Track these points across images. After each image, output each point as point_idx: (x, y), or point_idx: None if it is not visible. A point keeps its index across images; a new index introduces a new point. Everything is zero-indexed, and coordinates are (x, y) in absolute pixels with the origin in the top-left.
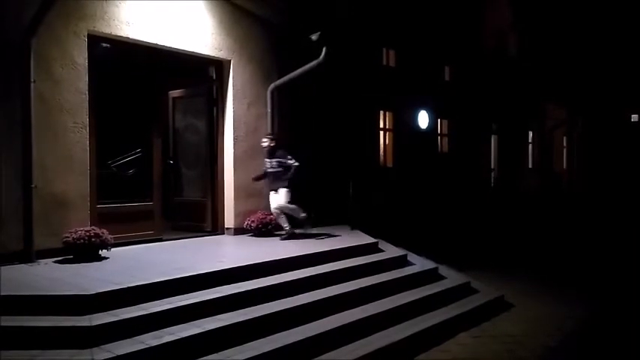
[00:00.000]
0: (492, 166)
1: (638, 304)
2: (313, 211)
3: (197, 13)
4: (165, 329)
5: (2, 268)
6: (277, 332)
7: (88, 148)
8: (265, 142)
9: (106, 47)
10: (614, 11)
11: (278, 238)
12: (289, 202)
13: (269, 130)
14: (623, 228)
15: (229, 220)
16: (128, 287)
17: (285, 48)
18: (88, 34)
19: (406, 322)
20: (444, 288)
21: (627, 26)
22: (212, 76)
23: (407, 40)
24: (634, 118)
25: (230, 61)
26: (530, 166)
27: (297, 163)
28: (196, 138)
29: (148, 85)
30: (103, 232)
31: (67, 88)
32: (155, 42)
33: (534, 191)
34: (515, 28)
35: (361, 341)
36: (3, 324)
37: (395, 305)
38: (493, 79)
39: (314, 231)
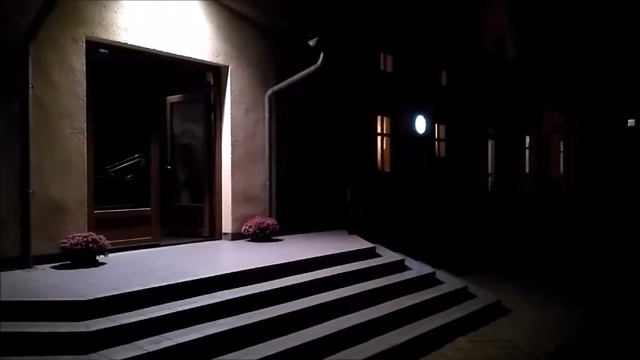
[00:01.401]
0: (489, 171)
1: (636, 308)
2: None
3: (195, 19)
4: (163, 334)
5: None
6: (276, 337)
7: (86, 154)
8: None
9: (104, 53)
10: (612, 16)
11: (275, 243)
12: None
13: (267, 135)
14: (621, 232)
15: (227, 226)
16: (126, 293)
17: (283, 53)
18: (86, 40)
19: (404, 327)
20: (441, 293)
21: (625, 32)
22: (210, 82)
23: (404, 45)
24: (630, 123)
25: (228, 66)
26: (527, 170)
27: None
28: (194, 143)
29: (145, 90)
30: (100, 238)
31: (65, 94)
32: (153, 47)
33: (531, 196)
34: (512, 33)
35: (359, 346)
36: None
37: (392, 310)
38: (490, 84)
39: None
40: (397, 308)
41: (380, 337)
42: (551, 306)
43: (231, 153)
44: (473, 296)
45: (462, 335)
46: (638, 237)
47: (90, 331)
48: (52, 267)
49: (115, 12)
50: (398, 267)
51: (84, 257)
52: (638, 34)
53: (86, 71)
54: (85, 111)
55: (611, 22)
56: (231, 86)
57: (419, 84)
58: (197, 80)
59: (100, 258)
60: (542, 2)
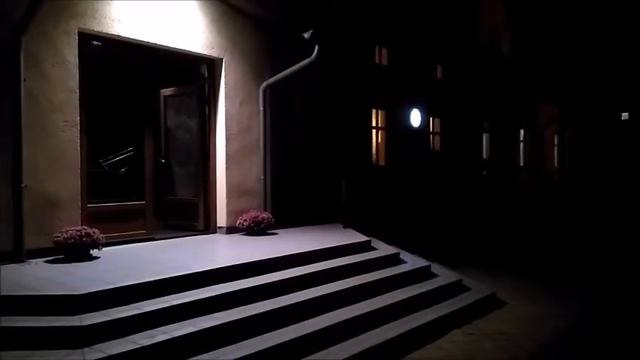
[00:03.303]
0: (484, 164)
1: (630, 301)
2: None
3: (189, 12)
4: (158, 328)
5: None
6: (271, 331)
7: (79, 147)
8: None
9: (97, 45)
10: (607, 10)
11: (270, 236)
12: None
13: (262, 129)
14: (615, 225)
15: (221, 219)
16: (120, 287)
17: (278, 46)
18: (79, 32)
19: (399, 320)
20: (436, 286)
21: (619, 26)
22: (204, 75)
23: (399, 39)
24: (624, 116)
25: (222, 59)
26: (521, 164)
27: None
28: (188, 136)
29: (139, 83)
30: (94, 232)
31: (58, 87)
32: (146, 40)
33: (526, 189)
34: (507, 27)
35: (354, 339)
36: None
37: (387, 303)
38: (485, 78)
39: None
40: (392, 301)
41: (374, 331)
42: (546, 300)
43: (226, 146)
44: (468, 289)
45: (456, 328)
46: (633, 231)
47: (84, 325)
48: (46, 261)
49: (108, 4)
50: (393, 260)
51: (78, 251)
52: (632, 28)
53: (79, 64)
54: (78, 104)
55: (605, 17)
56: (225, 79)
57: (414, 77)
58: (191, 73)
59: (94, 252)
60: None
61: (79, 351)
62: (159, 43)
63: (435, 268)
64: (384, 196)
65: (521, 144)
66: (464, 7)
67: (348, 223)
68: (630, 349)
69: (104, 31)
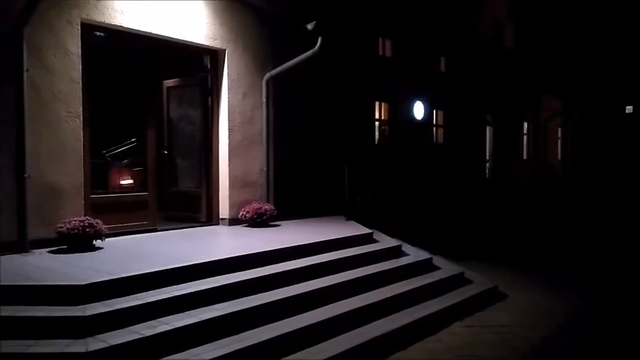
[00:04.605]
0: (487, 157)
1: (631, 294)
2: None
3: (192, 3)
4: (160, 319)
5: None
6: (272, 322)
7: (82, 138)
8: None
9: (100, 36)
10: (610, 3)
11: (273, 228)
12: None
13: (264, 121)
14: (617, 218)
15: (224, 211)
16: (122, 277)
17: (282, 37)
18: (82, 23)
19: (400, 312)
20: (438, 278)
21: (623, 18)
22: (207, 66)
23: (403, 31)
24: (628, 109)
25: (225, 50)
26: (524, 157)
27: None
28: (191, 128)
29: (142, 74)
30: (97, 222)
31: (61, 77)
32: (149, 31)
33: (529, 182)
34: (510, 19)
35: (355, 331)
36: None
37: (389, 295)
38: (488, 70)
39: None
40: (393, 294)
41: (376, 322)
42: (548, 292)
43: (229, 138)
44: (469, 282)
45: (458, 320)
46: (635, 224)
47: (87, 316)
48: (49, 251)
49: None
50: (395, 252)
51: (81, 242)
52: (636, 20)
53: (82, 55)
54: (81, 95)
55: (609, 9)
56: (228, 70)
57: (417, 70)
58: (194, 64)
59: (97, 243)
60: None
61: (81, 340)
62: (162, 34)
63: (437, 260)
64: (386, 188)
65: (525, 137)
66: None
67: (351, 215)
68: (631, 343)
69: (107, 21)
